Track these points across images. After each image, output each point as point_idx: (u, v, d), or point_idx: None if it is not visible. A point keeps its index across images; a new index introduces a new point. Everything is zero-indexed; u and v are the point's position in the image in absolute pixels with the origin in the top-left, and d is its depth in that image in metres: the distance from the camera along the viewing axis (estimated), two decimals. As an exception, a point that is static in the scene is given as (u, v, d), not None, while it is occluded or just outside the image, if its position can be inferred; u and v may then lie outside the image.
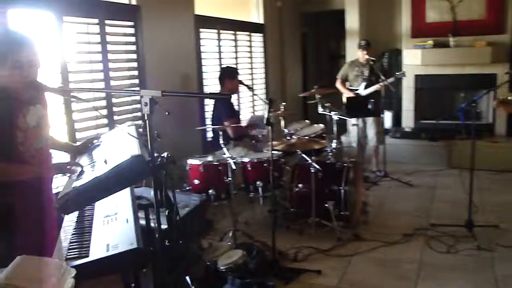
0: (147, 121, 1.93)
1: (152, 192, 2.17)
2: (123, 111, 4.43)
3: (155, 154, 2.02)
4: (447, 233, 4.21)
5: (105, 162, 2.07)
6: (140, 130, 2.79)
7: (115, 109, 4.33)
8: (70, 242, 2.11)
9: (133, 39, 4.53)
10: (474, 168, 4.19)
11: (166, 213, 2.18)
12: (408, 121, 7.27)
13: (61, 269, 1.76)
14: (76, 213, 2.42)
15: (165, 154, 2.19)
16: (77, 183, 2.09)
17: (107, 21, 4.21)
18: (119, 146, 2.40)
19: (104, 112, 4.19)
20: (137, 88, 4.55)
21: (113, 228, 2.12)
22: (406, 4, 7.02)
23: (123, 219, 2.17)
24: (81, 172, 2.35)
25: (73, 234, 2.20)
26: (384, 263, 3.76)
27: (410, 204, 5.12)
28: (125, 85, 4.47)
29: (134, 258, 1.94)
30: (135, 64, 4.56)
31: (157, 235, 2.07)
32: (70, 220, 2.37)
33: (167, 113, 2.07)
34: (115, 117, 4.35)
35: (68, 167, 2.45)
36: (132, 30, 4.52)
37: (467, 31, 6.66)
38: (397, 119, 7.41)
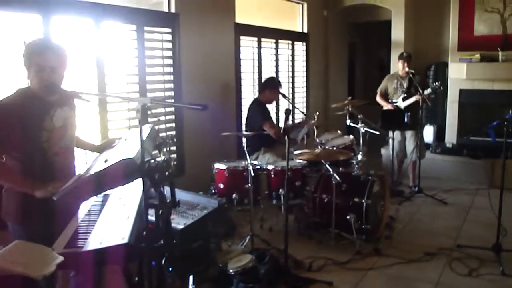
0: (140, 127, 2.04)
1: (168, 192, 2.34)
2: (153, 114, 4.61)
3: (147, 158, 2.12)
4: (472, 255, 4.07)
5: (105, 161, 2.20)
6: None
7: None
8: (74, 233, 2.27)
9: (170, 45, 4.71)
10: (504, 188, 4.02)
11: (160, 212, 2.28)
12: (451, 137, 7.04)
13: (49, 255, 1.91)
14: (88, 207, 2.59)
15: (161, 158, 2.30)
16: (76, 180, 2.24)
17: (145, 28, 4.41)
18: (126, 147, 2.53)
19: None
20: (171, 94, 4.74)
21: (114, 223, 2.25)
22: (454, 16, 6.82)
23: (126, 216, 2.31)
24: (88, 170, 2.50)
25: (79, 226, 2.36)
26: (398, 280, 3.69)
27: (440, 223, 4.97)
28: (159, 89, 4.65)
29: (124, 252, 2.06)
30: (170, 69, 4.73)
31: (144, 232, 2.17)
32: (81, 214, 2.55)
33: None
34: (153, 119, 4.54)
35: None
36: (169, 37, 4.69)
37: (518, 45, 6.39)
38: (440, 134, 7.19)
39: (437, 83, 5.75)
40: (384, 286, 3.61)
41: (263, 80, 5.36)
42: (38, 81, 2.47)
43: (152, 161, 2.17)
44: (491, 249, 4.03)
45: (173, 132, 4.81)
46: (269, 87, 5.19)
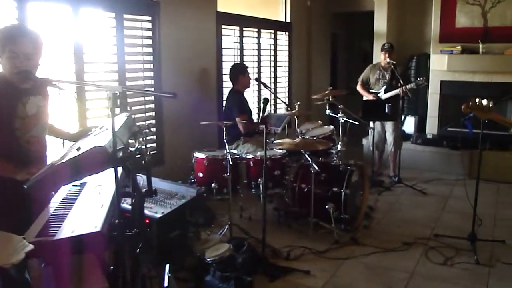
0: (111, 115, 2.02)
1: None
2: (136, 103, 4.58)
3: (120, 146, 2.10)
4: (448, 244, 4.13)
5: (78, 149, 2.17)
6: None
7: (129, 100, 4.48)
8: (46, 221, 2.24)
9: (150, 33, 4.66)
10: (481, 178, 4.07)
11: (132, 200, 2.27)
12: (432, 128, 7.10)
13: (19, 244, 1.89)
14: (63, 195, 2.57)
15: (135, 147, 2.28)
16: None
17: (125, 15, 4.35)
18: (101, 136, 2.50)
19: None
20: (150, 83, 4.70)
21: (88, 212, 2.23)
22: (436, 8, 6.85)
23: (100, 204, 2.29)
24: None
25: (52, 214, 2.33)
26: (375, 269, 3.74)
27: (419, 213, 5.03)
28: (139, 77, 4.61)
29: (97, 240, 2.04)
30: (150, 58, 4.69)
31: (117, 221, 2.15)
32: (55, 202, 2.52)
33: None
34: (127, 108, 4.49)
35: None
36: (149, 25, 4.64)
37: (498, 38, 6.44)
38: (421, 125, 7.25)
39: (421, 78, 5.80)
40: (361, 275, 3.64)
41: (230, 69, 5.29)
42: (10, 68, 2.43)
43: (126, 149, 2.14)
44: (466, 238, 4.09)
45: (153, 121, 4.77)
46: (240, 72, 5.16)
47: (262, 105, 3.65)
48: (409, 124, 7.26)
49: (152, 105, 4.74)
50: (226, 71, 5.72)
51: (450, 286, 3.48)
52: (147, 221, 3.44)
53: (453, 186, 5.99)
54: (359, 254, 3.97)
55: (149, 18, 4.63)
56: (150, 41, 4.67)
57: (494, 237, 4.28)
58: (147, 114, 4.71)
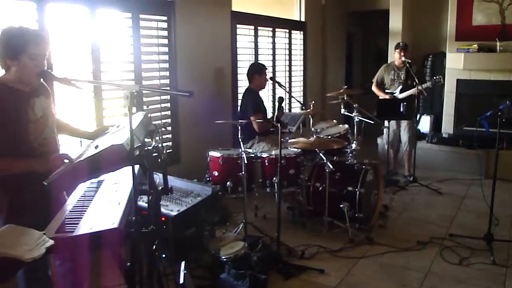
0: (129, 114, 2.05)
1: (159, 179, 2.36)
2: (151, 102, 4.62)
3: (137, 145, 2.14)
4: (464, 244, 4.11)
5: (96, 147, 2.21)
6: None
7: (145, 99, 4.54)
8: (65, 218, 2.29)
9: (165, 33, 4.70)
10: (498, 178, 4.04)
11: (148, 198, 2.30)
12: (447, 127, 7.05)
13: (40, 239, 1.94)
14: (81, 193, 2.61)
15: (153, 145, 2.32)
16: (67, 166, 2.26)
17: (141, 15, 4.40)
18: (118, 134, 2.54)
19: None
20: (166, 82, 4.75)
21: (105, 209, 2.27)
22: (452, 5, 6.79)
23: (117, 201, 2.33)
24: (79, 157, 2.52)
25: (70, 211, 2.38)
26: (390, 268, 3.73)
27: (434, 212, 5.01)
28: (155, 77, 4.66)
29: (114, 237, 2.08)
30: (166, 57, 4.73)
31: (133, 218, 2.19)
32: (73, 199, 2.57)
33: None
34: (144, 107, 4.54)
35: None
36: (165, 25, 4.69)
37: (516, 36, 6.38)
38: (437, 124, 7.20)
39: (437, 77, 5.76)
40: (375, 274, 3.64)
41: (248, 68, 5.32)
42: (31, 69, 2.47)
43: (143, 147, 2.18)
44: (483, 238, 4.06)
45: (169, 120, 4.82)
46: (256, 72, 5.18)
47: (277, 104, 3.66)
48: (424, 123, 7.22)
49: (168, 104, 4.78)
50: (241, 70, 5.75)
51: (465, 286, 3.46)
52: (163, 219, 3.47)
53: (469, 186, 5.94)
54: (374, 253, 3.97)
55: (164, 18, 4.67)
56: (165, 41, 4.71)
57: (511, 238, 4.24)
58: (163, 113, 4.76)
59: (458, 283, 3.50)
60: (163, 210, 3.47)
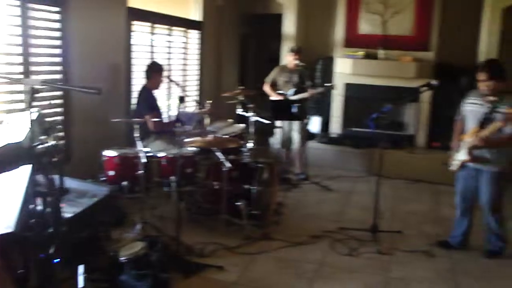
0: (29, 110, 1.94)
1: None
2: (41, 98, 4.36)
3: (37, 143, 2.03)
4: (353, 236, 4.40)
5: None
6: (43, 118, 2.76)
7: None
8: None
9: (58, 25, 4.46)
10: (386, 176, 4.41)
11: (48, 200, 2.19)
12: (335, 128, 7.48)
13: None
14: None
15: (51, 143, 2.21)
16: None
17: (30, 5, 4.13)
18: (9, 132, 2.38)
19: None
20: (59, 77, 4.50)
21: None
22: (341, 14, 7.24)
23: (11, 203, 2.18)
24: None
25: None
26: (286, 262, 3.89)
27: (325, 208, 5.30)
28: (46, 71, 4.40)
29: (10, 241, 1.95)
30: (59, 51, 4.49)
31: (32, 220, 2.07)
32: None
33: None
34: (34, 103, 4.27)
35: None
36: (57, 17, 4.45)
37: (396, 45, 6.95)
38: (325, 125, 7.60)
39: (330, 84, 6.10)
40: (273, 268, 3.78)
41: (147, 66, 5.23)
42: None
43: (41, 145, 2.07)
44: (369, 230, 4.40)
45: (61, 117, 4.58)
46: (156, 71, 5.12)
47: (177, 103, 3.65)
48: (314, 124, 7.57)
49: (60, 100, 4.54)
50: (136, 68, 5.62)
51: (356, 275, 3.73)
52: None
53: (355, 182, 6.37)
54: (270, 249, 4.10)
55: (57, 9, 4.43)
56: (59, 34, 4.47)
57: (392, 228, 4.63)
58: (54, 109, 4.50)
59: (349, 272, 3.77)
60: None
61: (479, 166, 3.94)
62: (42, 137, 2.33)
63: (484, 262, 4.04)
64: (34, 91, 1.91)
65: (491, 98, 3.77)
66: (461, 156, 3.98)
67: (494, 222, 4.05)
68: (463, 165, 4.03)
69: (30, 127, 1.92)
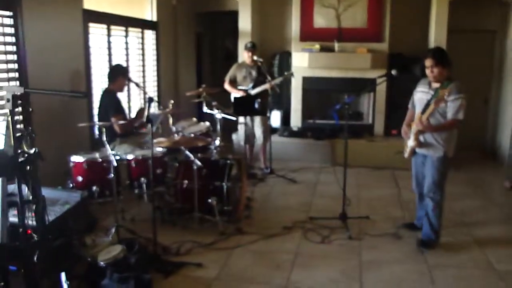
0: (9, 118, 1.91)
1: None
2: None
3: (20, 151, 2.00)
4: (323, 225, 4.53)
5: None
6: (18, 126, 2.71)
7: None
8: None
9: (12, 30, 4.34)
10: (341, 164, 4.53)
11: (33, 208, 2.17)
12: (296, 121, 7.62)
13: None
14: None
15: (32, 151, 2.18)
16: None
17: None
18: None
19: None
20: (16, 84, 4.38)
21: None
22: (296, 9, 7.36)
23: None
24: None
25: None
26: (262, 254, 3.97)
27: (293, 199, 5.42)
28: (2, 79, 4.28)
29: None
30: (14, 57, 4.37)
31: (21, 231, 2.04)
32: None
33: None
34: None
35: None
36: (11, 21, 4.32)
37: (351, 38, 7.15)
38: (286, 119, 7.73)
39: (289, 72, 6.21)
40: (250, 261, 3.85)
41: (110, 68, 5.17)
42: None
43: (22, 154, 2.04)
44: (338, 218, 4.55)
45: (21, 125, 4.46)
46: (121, 74, 5.08)
47: (147, 104, 3.65)
48: (275, 118, 7.68)
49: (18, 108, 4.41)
50: (94, 71, 5.54)
51: (330, 260, 3.86)
52: (29, 232, 3.24)
53: (319, 173, 6.52)
54: (246, 242, 4.17)
55: (10, 13, 4.30)
56: (13, 39, 4.35)
57: (360, 214, 4.80)
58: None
59: (323, 258, 3.90)
60: (30, 222, 3.23)
61: (425, 152, 4.07)
62: (22, 145, 2.30)
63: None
64: (17, 97, 1.88)
65: (435, 85, 3.96)
66: (410, 142, 4.14)
67: (431, 209, 4.05)
68: (413, 152, 4.18)
69: (15, 135, 1.89)
